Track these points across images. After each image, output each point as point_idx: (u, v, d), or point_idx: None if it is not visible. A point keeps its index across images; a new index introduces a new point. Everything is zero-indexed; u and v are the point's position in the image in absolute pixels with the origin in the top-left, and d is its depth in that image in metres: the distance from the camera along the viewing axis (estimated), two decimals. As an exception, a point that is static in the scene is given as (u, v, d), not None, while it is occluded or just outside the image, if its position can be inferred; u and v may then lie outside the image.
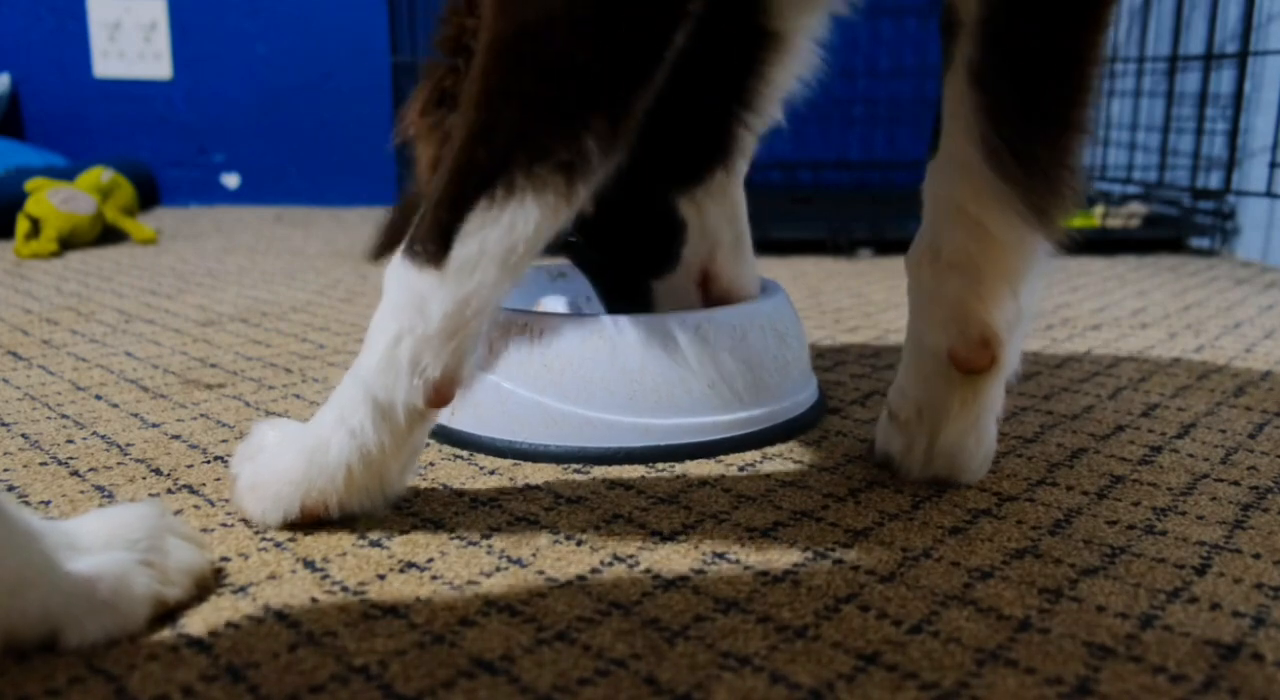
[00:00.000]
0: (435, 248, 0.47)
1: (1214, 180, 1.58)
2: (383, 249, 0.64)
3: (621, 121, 0.46)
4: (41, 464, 0.63)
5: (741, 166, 0.69)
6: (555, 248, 0.75)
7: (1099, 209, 1.65)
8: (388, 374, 0.49)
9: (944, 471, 0.58)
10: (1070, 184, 0.52)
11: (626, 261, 0.70)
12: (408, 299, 0.48)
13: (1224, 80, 1.56)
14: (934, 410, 0.57)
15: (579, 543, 0.51)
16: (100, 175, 1.72)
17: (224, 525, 0.53)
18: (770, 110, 0.67)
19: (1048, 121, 0.51)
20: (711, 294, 0.70)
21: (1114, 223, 1.62)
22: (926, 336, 0.56)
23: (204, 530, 0.53)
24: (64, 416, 0.72)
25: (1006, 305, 0.54)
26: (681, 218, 0.67)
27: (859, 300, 1.19)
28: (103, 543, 0.43)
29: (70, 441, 0.67)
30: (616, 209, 0.67)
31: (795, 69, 0.65)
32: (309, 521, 0.52)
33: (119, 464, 0.63)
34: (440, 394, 0.49)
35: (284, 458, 0.52)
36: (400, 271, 0.49)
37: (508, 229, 0.46)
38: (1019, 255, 0.53)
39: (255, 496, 0.52)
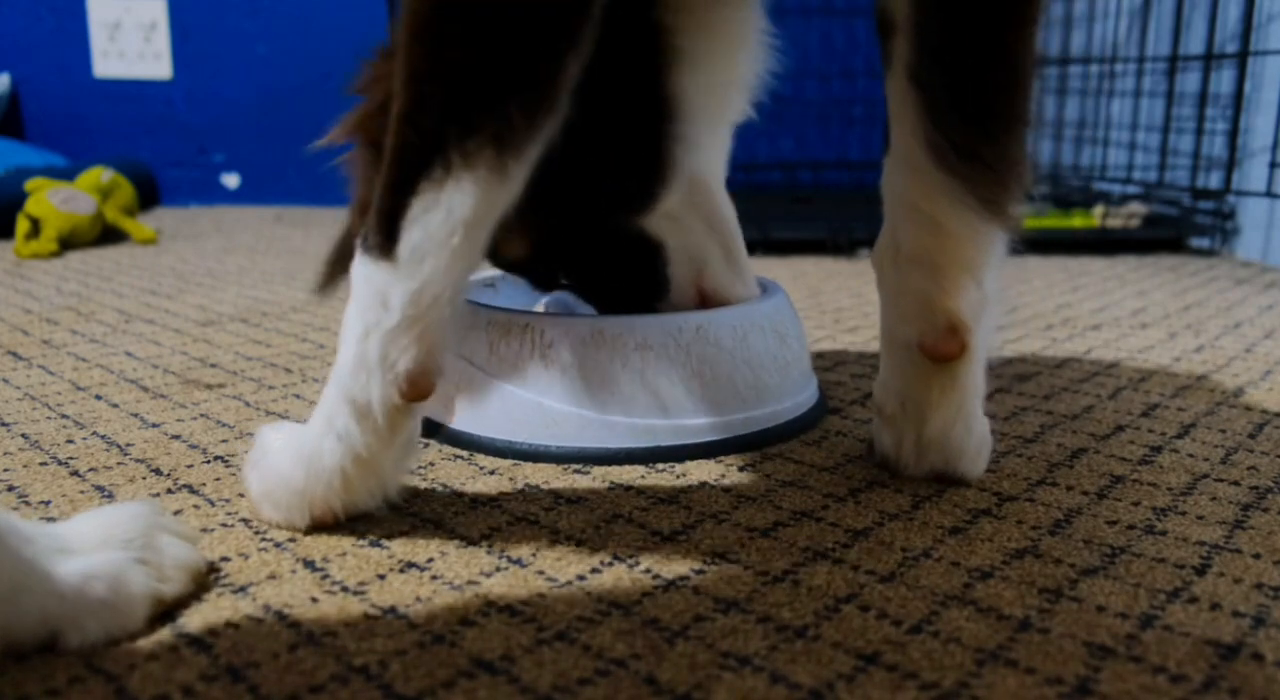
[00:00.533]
0: (384, 238, 0.47)
1: (1214, 180, 1.58)
2: (328, 281, 0.64)
3: (547, 87, 0.46)
4: (41, 464, 0.63)
5: (714, 173, 0.68)
6: (550, 288, 0.75)
7: (1099, 209, 1.65)
8: (360, 373, 0.49)
9: (940, 464, 0.58)
10: (1016, 174, 0.53)
11: (618, 296, 0.69)
12: (368, 293, 0.48)
13: (1224, 80, 1.56)
14: (915, 401, 0.58)
15: (579, 543, 0.51)
16: (100, 175, 1.72)
17: (224, 525, 0.53)
18: (708, 115, 0.64)
19: (986, 116, 0.52)
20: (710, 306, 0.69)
21: (1114, 223, 1.62)
22: (897, 329, 0.57)
23: (204, 530, 0.53)
24: (64, 416, 0.72)
25: (970, 293, 0.54)
26: (656, 241, 0.66)
27: (859, 300, 1.19)
28: (96, 543, 0.43)
29: (70, 441, 0.67)
30: (586, 249, 0.67)
31: (728, 68, 0.64)
32: (323, 526, 0.52)
33: (119, 464, 0.63)
34: (415, 386, 0.49)
35: (285, 465, 0.52)
36: (360, 267, 0.49)
37: (448, 210, 0.46)
38: (975, 246, 0.54)
39: (270, 503, 0.52)
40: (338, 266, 0.63)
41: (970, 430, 0.58)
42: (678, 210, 0.66)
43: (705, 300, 0.69)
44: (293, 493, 0.52)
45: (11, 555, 0.39)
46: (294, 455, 0.52)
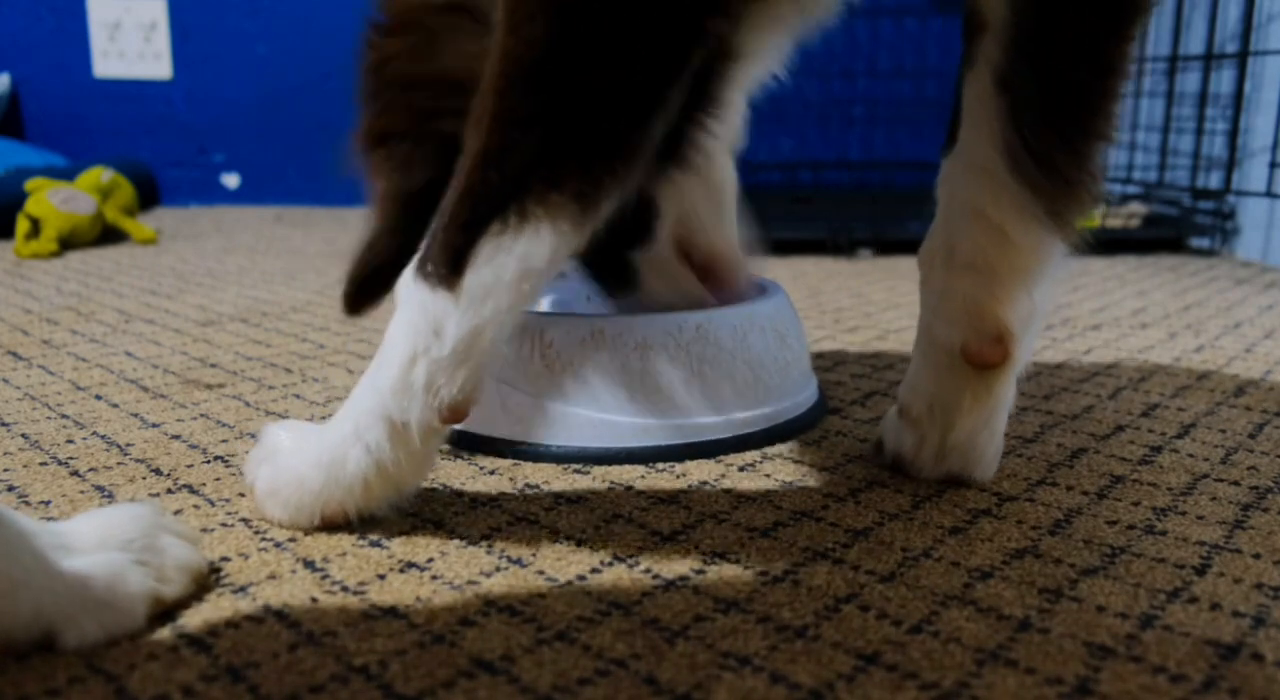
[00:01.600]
0: (447, 271, 0.47)
1: (1214, 180, 1.58)
2: (359, 301, 0.59)
3: (639, 147, 0.46)
4: (41, 464, 0.63)
5: (718, 149, 0.69)
6: None
7: (1099, 209, 1.65)
8: (403, 396, 0.49)
9: (957, 468, 0.58)
10: (1091, 189, 0.52)
11: (603, 240, 0.70)
12: (422, 319, 0.48)
13: (1224, 80, 1.56)
14: (946, 406, 0.57)
15: (579, 543, 0.51)
16: (100, 175, 1.72)
17: (224, 525, 0.53)
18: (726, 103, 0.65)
19: (1072, 128, 0.51)
20: (695, 262, 0.70)
21: (1114, 223, 1.62)
22: (939, 332, 0.56)
23: (204, 530, 0.53)
24: (64, 416, 0.72)
25: (1021, 303, 0.54)
26: (649, 194, 0.66)
27: (859, 300, 1.19)
28: (96, 543, 0.43)
29: (70, 441, 0.67)
30: None
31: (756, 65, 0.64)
32: (327, 527, 0.53)
33: (119, 464, 0.63)
34: (455, 413, 0.49)
35: (302, 466, 0.52)
36: (413, 290, 0.48)
37: (522, 257, 0.46)
38: (1036, 258, 0.53)
39: (277, 502, 0.52)
40: (372, 288, 0.58)
41: (993, 438, 0.58)
42: (680, 174, 0.67)
43: (689, 254, 0.69)
44: (307, 494, 0.52)
45: (10, 550, 0.39)
46: (312, 458, 0.52)
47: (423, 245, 0.49)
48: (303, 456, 0.52)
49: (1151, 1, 0.51)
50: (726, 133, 0.69)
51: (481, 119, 0.46)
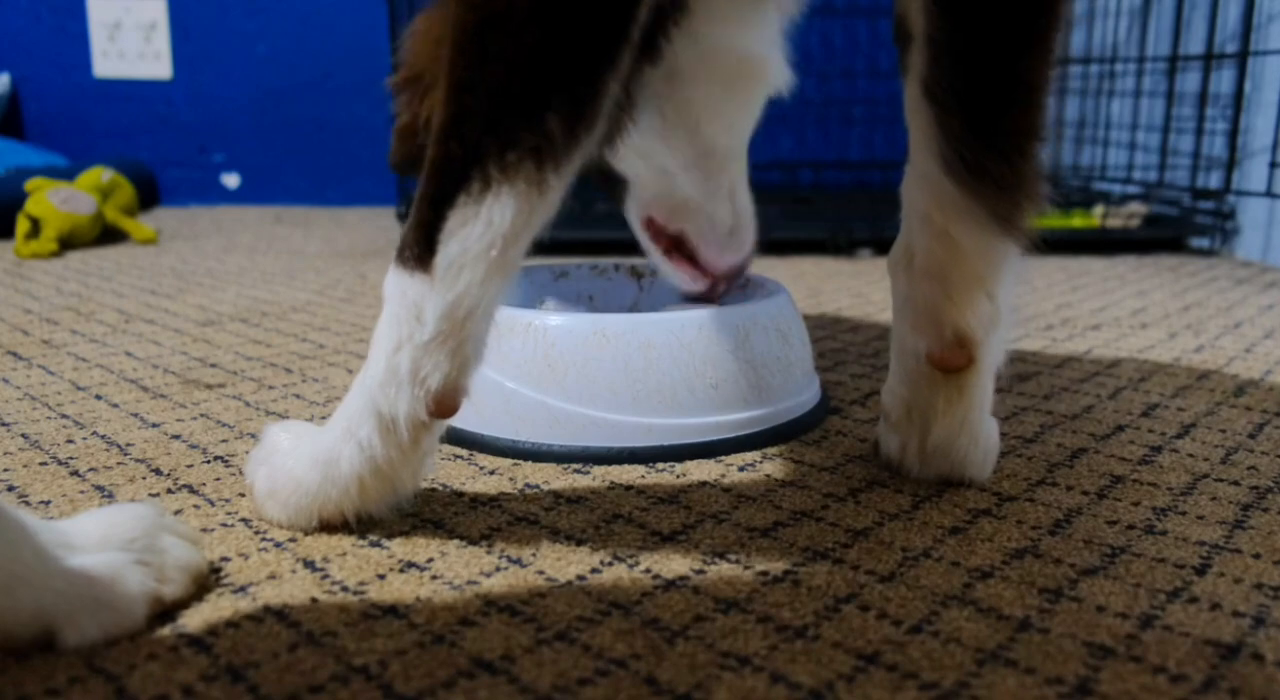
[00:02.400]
0: (421, 250, 0.47)
1: (1214, 180, 1.58)
2: (407, 161, 0.67)
3: (591, 103, 0.46)
4: (41, 464, 0.63)
5: (729, 131, 0.71)
6: None
7: (1099, 209, 1.65)
8: (389, 386, 0.49)
9: (944, 469, 0.58)
10: (1031, 188, 0.52)
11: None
12: (403, 307, 0.48)
13: (1224, 80, 1.56)
14: (921, 410, 0.58)
15: (579, 543, 0.51)
16: (100, 175, 1.72)
17: (224, 525, 0.53)
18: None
19: (998, 132, 0.51)
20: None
21: (1114, 223, 1.62)
22: (905, 337, 0.57)
23: (204, 530, 0.53)
24: (64, 416, 0.72)
25: (980, 307, 0.54)
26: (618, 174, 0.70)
27: (859, 300, 1.19)
28: (98, 542, 0.43)
29: (70, 441, 0.67)
30: None
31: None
32: (326, 528, 0.52)
33: (119, 464, 0.63)
34: (443, 403, 0.49)
35: (298, 467, 0.52)
36: (394, 278, 0.48)
37: (487, 224, 0.46)
38: (987, 260, 0.53)
39: (275, 502, 0.52)
40: (413, 147, 0.66)
41: (975, 440, 0.58)
42: (676, 160, 0.68)
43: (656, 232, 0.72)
44: (304, 495, 0.51)
45: (11, 547, 0.39)
46: (309, 458, 0.52)
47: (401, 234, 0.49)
48: (299, 456, 0.52)
49: (1066, 14, 0.51)
50: (734, 125, 0.69)
51: (440, 95, 0.47)
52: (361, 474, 0.51)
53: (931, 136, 0.52)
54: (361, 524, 0.53)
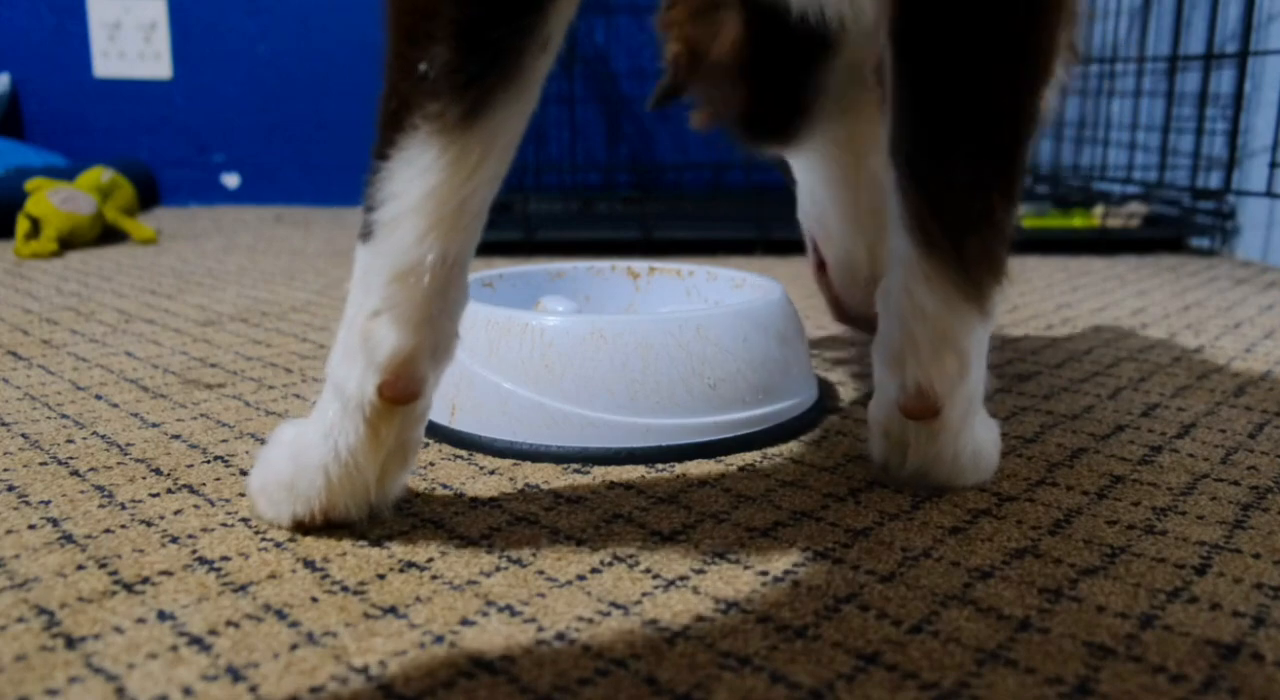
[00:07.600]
0: (366, 216, 0.48)
1: (1214, 180, 1.58)
2: (664, 100, 0.73)
3: (509, 57, 0.46)
4: (41, 464, 0.63)
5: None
6: None
7: (1099, 209, 1.65)
8: (345, 363, 0.49)
9: (929, 487, 0.58)
10: (994, 263, 0.52)
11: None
12: (357, 278, 0.48)
13: (1224, 80, 1.56)
14: (897, 438, 0.57)
15: (579, 543, 0.51)
16: (100, 175, 1.72)
17: (224, 525, 0.53)
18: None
19: (962, 202, 0.51)
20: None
21: (1114, 223, 1.62)
22: (878, 372, 0.57)
23: (204, 530, 0.53)
24: (64, 416, 0.72)
25: (947, 364, 0.53)
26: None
27: (859, 300, 1.19)
28: None
29: (70, 441, 0.67)
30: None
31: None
32: (305, 527, 0.52)
33: (119, 464, 0.63)
34: (395, 382, 0.48)
35: (280, 458, 0.52)
36: (355, 256, 0.49)
37: (411, 178, 0.46)
38: (950, 323, 0.52)
39: (266, 499, 0.52)
40: (669, 90, 0.71)
41: (957, 461, 0.57)
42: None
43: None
44: (280, 486, 0.51)
45: None
46: (290, 448, 0.52)
47: None
48: (282, 449, 0.52)
49: (1037, 90, 0.50)
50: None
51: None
52: (326, 463, 0.50)
53: (896, 199, 0.52)
54: (361, 524, 0.53)
